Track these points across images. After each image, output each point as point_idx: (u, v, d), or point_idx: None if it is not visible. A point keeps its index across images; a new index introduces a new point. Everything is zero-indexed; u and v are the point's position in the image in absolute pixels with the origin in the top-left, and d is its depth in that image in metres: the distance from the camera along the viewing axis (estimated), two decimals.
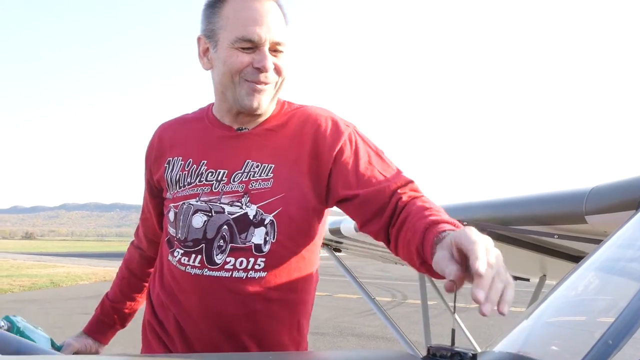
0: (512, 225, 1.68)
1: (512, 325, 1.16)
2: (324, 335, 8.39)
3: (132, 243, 1.62)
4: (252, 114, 1.30)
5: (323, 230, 1.40)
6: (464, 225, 1.85)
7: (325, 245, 3.35)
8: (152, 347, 1.38)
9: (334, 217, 2.49)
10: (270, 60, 1.24)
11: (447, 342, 0.82)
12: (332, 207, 1.33)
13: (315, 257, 1.37)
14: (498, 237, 1.75)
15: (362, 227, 1.27)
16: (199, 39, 1.33)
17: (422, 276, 2.94)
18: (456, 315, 0.84)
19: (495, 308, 0.78)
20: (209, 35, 1.29)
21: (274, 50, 1.26)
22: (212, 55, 1.30)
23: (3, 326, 1.32)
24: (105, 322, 1.59)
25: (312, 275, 1.37)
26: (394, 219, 1.19)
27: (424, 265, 1.08)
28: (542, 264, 2.36)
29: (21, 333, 1.30)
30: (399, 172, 1.30)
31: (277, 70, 1.28)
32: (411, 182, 1.26)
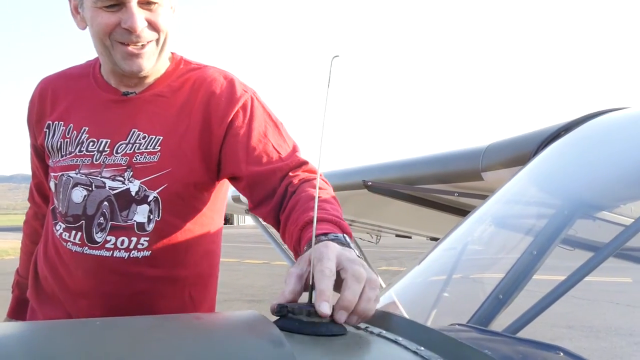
0: (417, 185, 1.69)
1: (391, 283, 1.16)
2: (260, 302, 8.39)
3: (28, 215, 1.50)
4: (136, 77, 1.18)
5: (221, 200, 1.32)
6: (368, 184, 1.88)
7: (248, 212, 3.29)
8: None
9: None
10: (139, 18, 1.08)
11: None
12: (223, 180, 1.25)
13: (209, 229, 1.29)
14: (405, 197, 1.76)
15: (252, 209, 1.18)
16: None
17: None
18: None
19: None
20: None
21: (146, 3, 1.09)
22: (83, 14, 1.14)
23: None
24: (27, 301, 1.44)
25: (207, 246, 1.30)
26: (284, 204, 1.07)
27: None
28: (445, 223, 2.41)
29: None
30: (294, 149, 1.18)
31: (153, 27, 1.11)
32: (305, 163, 1.14)
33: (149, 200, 1.16)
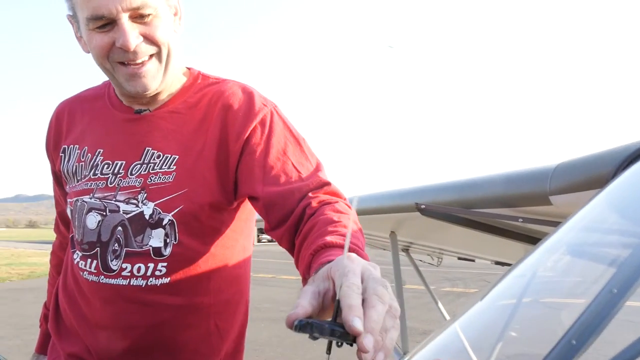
0: (474, 208, 1.52)
1: (455, 315, 1.01)
2: None
3: (54, 246, 1.45)
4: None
5: (245, 222, 1.21)
6: (421, 207, 1.72)
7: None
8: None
9: None
10: (131, 35, 1.00)
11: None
12: (242, 199, 1.14)
13: (233, 253, 1.19)
14: (462, 221, 1.59)
15: (268, 230, 1.07)
16: (68, 18, 1.11)
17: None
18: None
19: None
20: (73, 15, 1.08)
21: (139, 17, 1.02)
22: (83, 39, 1.08)
23: None
24: None
25: (233, 271, 1.20)
26: (301, 227, 0.97)
27: None
28: (510, 248, 2.19)
29: None
30: (317, 169, 1.08)
31: (151, 40, 1.04)
32: (328, 184, 1.04)
33: (164, 223, 1.07)
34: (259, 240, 48.59)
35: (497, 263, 3.19)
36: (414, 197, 1.70)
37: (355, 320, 0.54)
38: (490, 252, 2.76)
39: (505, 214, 1.41)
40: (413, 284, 3.15)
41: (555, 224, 1.34)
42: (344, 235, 0.83)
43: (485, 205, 1.49)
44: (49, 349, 1.29)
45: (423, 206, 1.56)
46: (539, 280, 1.15)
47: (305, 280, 0.84)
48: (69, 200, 1.18)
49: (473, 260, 3.87)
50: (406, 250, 4.12)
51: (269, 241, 47.07)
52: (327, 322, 0.57)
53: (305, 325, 0.57)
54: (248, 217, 1.22)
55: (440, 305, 3.70)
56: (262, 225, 1.09)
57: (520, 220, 1.37)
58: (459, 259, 3.88)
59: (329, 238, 0.83)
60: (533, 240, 1.72)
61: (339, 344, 0.58)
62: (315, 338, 0.58)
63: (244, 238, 1.22)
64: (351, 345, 0.58)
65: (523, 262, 1.05)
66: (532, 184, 1.31)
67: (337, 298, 0.59)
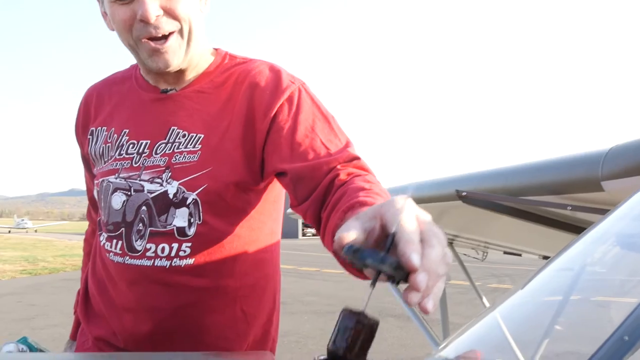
0: (521, 196, 1.43)
1: (495, 302, 0.95)
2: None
3: (87, 233, 1.45)
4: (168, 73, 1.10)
5: (273, 204, 1.18)
6: (462, 194, 1.65)
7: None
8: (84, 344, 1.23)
9: None
10: (151, 6, 0.99)
11: None
12: (270, 179, 1.11)
13: (260, 235, 1.16)
14: (506, 210, 1.51)
15: (295, 206, 1.04)
16: None
17: None
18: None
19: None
20: None
21: None
22: (108, 15, 1.07)
23: (24, 349, 1.23)
24: None
25: (260, 254, 1.17)
26: (328, 200, 0.93)
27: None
28: (559, 241, 2.08)
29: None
30: (347, 144, 1.05)
31: (172, 15, 1.02)
32: (357, 158, 1.01)
33: (187, 202, 1.06)
34: (303, 234, 48.92)
35: (545, 258, 3.07)
36: (455, 186, 1.63)
37: (414, 255, 0.52)
38: (538, 246, 2.64)
39: (553, 202, 1.33)
40: (459, 280, 3.06)
41: (605, 212, 1.26)
42: (380, 197, 0.80)
43: (531, 193, 1.41)
44: (79, 334, 1.29)
45: (464, 193, 1.49)
46: (587, 275, 1.07)
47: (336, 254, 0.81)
48: (95, 182, 1.18)
49: (520, 255, 3.73)
50: (450, 243, 4.03)
51: (314, 235, 47.29)
52: (384, 255, 0.53)
53: (356, 251, 0.53)
54: (276, 200, 1.19)
55: (485, 300, 3.59)
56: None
57: (569, 208, 1.29)
58: (505, 253, 3.76)
59: (364, 198, 0.79)
60: (583, 231, 1.62)
61: (390, 279, 0.54)
62: (364, 266, 0.54)
63: (272, 221, 1.19)
64: (398, 283, 0.55)
65: (568, 252, 0.97)
66: (583, 168, 1.22)
67: (392, 232, 0.55)
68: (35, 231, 60.85)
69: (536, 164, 1.43)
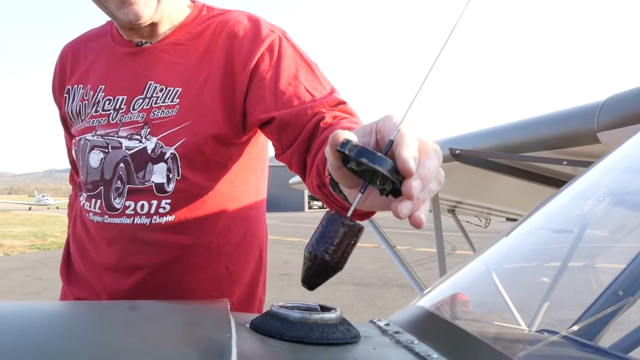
0: (517, 153, 1.39)
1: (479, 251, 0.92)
2: (368, 286, 8.30)
3: (71, 198, 1.43)
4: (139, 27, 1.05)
5: (256, 159, 1.16)
6: (456, 152, 1.61)
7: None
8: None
9: None
10: None
11: None
12: (252, 132, 1.09)
13: (243, 191, 1.14)
14: (501, 168, 1.47)
15: (279, 155, 1.02)
16: None
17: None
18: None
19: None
20: None
21: None
22: None
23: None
24: None
25: (243, 211, 1.14)
26: (312, 144, 0.91)
27: (322, 187, 0.82)
28: None
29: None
30: (332, 91, 1.02)
31: None
32: (343, 102, 0.98)
33: (165, 157, 1.03)
34: (310, 207, 49.07)
35: None
36: (450, 146, 1.59)
37: (411, 160, 0.50)
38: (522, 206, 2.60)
39: (548, 157, 1.29)
40: (463, 250, 3.04)
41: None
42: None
43: (526, 149, 1.37)
44: (60, 296, 1.28)
45: (458, 151, 1.45)
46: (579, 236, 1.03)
47: (318, 174, 0.79)
48: (73, 141, 1.15)
49: None
50: (452, 211, 4.00)
51: (320, 208, 47.42)
52: (380, 155, 0.51)
53: (353, 147, 0.51)
54: (259, 157, 1.16)
55: None
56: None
57: (565, 162, 1.25)
58: (507, 219, 3.73)
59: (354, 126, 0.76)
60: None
61: (381, 190, 0.53)
62: (358, 166, 0.52)
63: (255, 178, 1.17)
64: (388, 194, 0.54)
65: (555, 200, 0.93)
66: (578, 121, 1.18)
67: (391, 138, 0.53)
68: (57, 208, 57.66)
69: (531, 119, 1.39)
